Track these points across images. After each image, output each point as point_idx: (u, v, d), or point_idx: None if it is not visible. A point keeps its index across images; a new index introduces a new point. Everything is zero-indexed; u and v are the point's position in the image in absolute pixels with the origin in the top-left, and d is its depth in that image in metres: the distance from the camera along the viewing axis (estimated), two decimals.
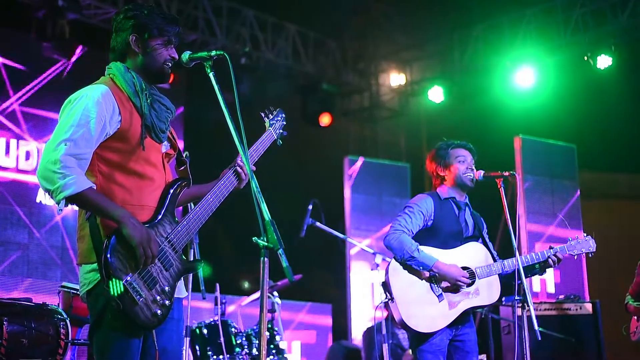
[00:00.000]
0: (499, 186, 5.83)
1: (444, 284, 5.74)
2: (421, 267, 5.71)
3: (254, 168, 4.28)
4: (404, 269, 5.76)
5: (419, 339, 5.73)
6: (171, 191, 3.98)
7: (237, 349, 7.56)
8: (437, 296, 5.73)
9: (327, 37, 13.64)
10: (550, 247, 5.96)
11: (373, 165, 13.08)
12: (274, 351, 7.89)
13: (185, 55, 4.01)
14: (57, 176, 3.62)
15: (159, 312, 3.76)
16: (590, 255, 6.07)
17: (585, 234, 6.10)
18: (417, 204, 5.94)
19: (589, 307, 8.92)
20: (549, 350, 8.50)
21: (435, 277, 5.72)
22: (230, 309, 9.45)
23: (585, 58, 11.45)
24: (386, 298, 5.83)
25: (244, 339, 7.67)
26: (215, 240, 10.56)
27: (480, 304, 5.88)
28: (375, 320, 7.84)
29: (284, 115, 4.66)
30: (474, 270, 5.80)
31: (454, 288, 5.73)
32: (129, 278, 3.64)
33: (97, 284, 3.73)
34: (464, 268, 5.79)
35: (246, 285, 11.33)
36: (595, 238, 6.07)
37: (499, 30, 12.46)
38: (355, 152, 13.70)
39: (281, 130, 4.60)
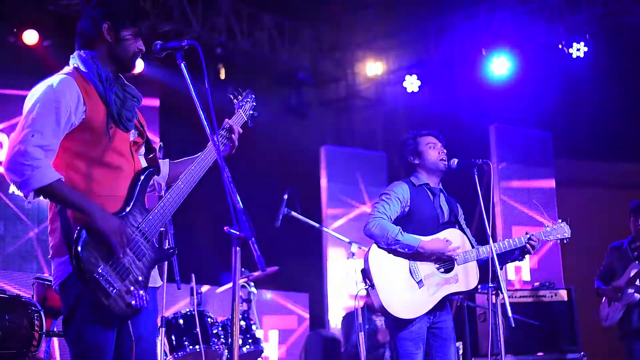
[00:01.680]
0: (473, 174, 5.86)
1: (425, 271, 5.76)
2: (407, 249, 5.73)
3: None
4: (389, 253, 5.77)
5: (398, 326, 5.75)
6: (140, 180, 3.96)
7: (214, 339, 7.56)
8: (417, 282, 5.75)
9: (303, 27, 13.61)
10: (527, 233, 6.00)
11: (349, 155, 13.10)
12: (250, 340, 7.89)
13: (157, 45, 4.01)
14: (25, 168, 3.61)
15: (133, 302, 3.76)
16: (565, 241, 6.11)
17: (560, 220, 6.15)
18: (394, 190, 5.97)
19: (564, 294, 8.97)
20: (525, 337, 8.55)
21: (421, 258, 5.74)
22: (204, 288, 9.35)
23: (560, 46, 11.49)
24: (366, 285, 5.84)
25: (220, 329, 7.67)
26: (190, 229, 10.53)
27: (459, 290, 5.91)
28: (355, 307, 7.85)
29: (253, 96, 4.64)
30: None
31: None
32: (100, 270, 3.64)
33: (69, 276, 3.73)
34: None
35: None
36: (571, 225, 6.11)
37: (474, 18, 12.47)
38: (332, 141, 13.70)
39: (252, 112, 4.58)
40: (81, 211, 3.68)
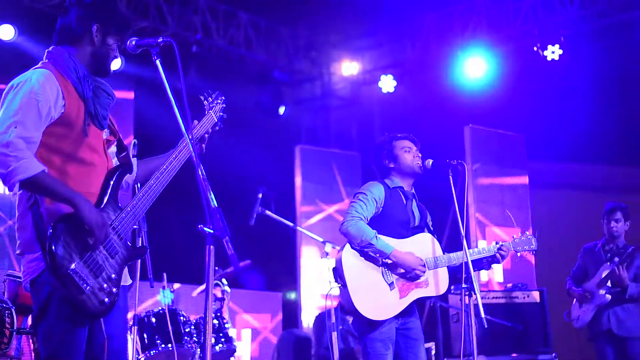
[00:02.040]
0: (448, 175, 5.87)
1: (397, 273, 5.76)
2: (378, 255, 5.72)
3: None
4: (361, 256, 5.76)
5: (368, 327, 5.74)
6: (113, 177, 3.96)
7: (186, 338, 7.54)
8: (389, 284, 5.74)
9: (279, 25, 13.58)
10: (497, 243, 6.04)
11: (324, 154, 13.10)
12: (222, 339, 7.87)
13: (132, 42, 4.01)
14: (9, 159, 3.58)
15: (106, 299, 3.75)
16: (532, 252, 6.27)
17: (528, 232, 6.25)
18: (370, 190, 5.95)
19: (536, 295, 9.02)
20: (497, 338, 8.58)
21: (390, 265, 5.74)
22: (176, 286, 9.31)
23: (535, 48, 11.53)
24: (338, 284, 5.84)
25: (192, 327, 7.65)
26: (164, 227, 10.50)
27: (429, 294, 5.91)
28: (326, 307, 7.84)
29: (223, 97, 4.68)
30: (425, 261, 5.84)
31: (409, 277, 5.75)
32: (74, 267, 3.61)
33: (41, 272, 3.70)
34: None
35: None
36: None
37: (449, 20, 12.50)
38: (307, 140, 13.70)
39: (221, 113, 4.61)
40: (67, 202, 3.67)
